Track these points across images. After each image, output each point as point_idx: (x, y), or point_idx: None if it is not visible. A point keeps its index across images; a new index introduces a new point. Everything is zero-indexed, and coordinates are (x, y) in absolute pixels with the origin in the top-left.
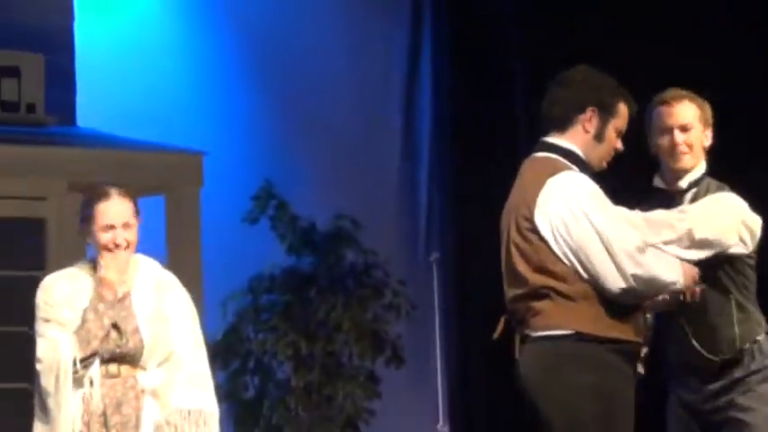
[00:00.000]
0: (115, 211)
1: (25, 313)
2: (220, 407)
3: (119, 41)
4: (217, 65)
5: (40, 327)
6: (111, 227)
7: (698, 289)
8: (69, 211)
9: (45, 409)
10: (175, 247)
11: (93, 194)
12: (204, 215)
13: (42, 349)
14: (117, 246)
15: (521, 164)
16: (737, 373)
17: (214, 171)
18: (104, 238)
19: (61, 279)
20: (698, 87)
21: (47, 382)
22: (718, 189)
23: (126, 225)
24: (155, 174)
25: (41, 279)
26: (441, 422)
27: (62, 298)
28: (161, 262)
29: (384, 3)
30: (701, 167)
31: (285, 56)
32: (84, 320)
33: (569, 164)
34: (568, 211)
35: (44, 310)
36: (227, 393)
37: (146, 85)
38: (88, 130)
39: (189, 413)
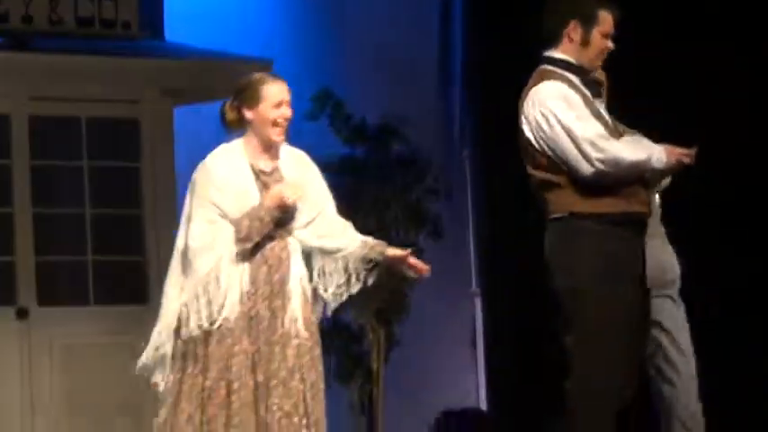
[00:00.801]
0: (282, 89)
1: (122, 198)
2: None
3: None
4: None
5: (202, 208)
6: (281, 103)
7: (687, 158)
8: (160, 112)
9: (190, 270)
10: None
11: (256, 79)
12: None
13: (200, 230)
14: (286, 120)
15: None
16: None
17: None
18: (275, 113)
19: (221, 161)
20: None
21: (200, 261)
22: None
23: (288, 103)
24: (231, 78)
25: (137, 168)
26: (473, 285)
27: (223, 182)
28: None
29: None
30: None
31: None
32: (249, 221)
33: (561, 71)
34: (540, 114)
35: (206, 192)
36: None
37: (222, 2)
38: (175, 42)
39: (363, 242)
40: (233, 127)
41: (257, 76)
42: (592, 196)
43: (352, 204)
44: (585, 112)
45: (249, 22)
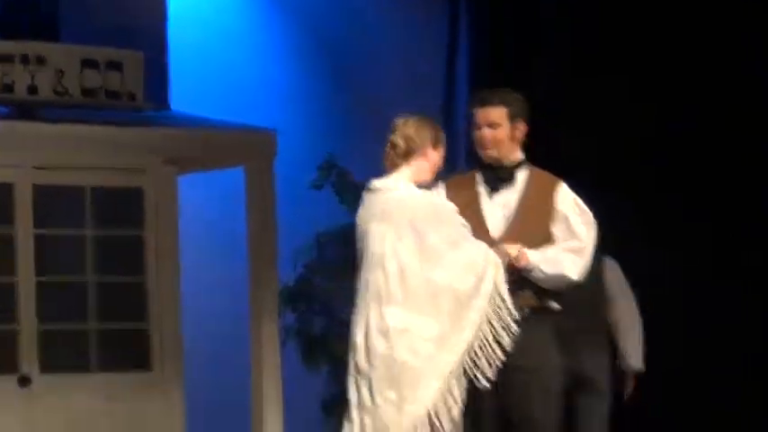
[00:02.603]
0: None
1: (126, 266)
2: (291, 343)
3: (204, 36)
4: (288, 55)
5: (462, 232)
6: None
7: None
8: (164, 181)
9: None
10: (254, 210)
11: (437, 126)
12: (278, 182)
13: (474, 251)
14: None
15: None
16: None
17: (286, 145)
18: (441, 162)
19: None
20: None
21: (478, 281)
22: None
23: None
24: (236, 149)
25: (141, 237)
26: None
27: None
28: (242, 223)
29: None
30: None
31: (346, 47)
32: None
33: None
34: None
35: (457, 216)
36: (298, 331)
37: (228, 73)
38: (179, 113)
39: None
40: (401, 158)
41: (436, 124)
42: None
43: (355, 274)
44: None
45: (254, 92)
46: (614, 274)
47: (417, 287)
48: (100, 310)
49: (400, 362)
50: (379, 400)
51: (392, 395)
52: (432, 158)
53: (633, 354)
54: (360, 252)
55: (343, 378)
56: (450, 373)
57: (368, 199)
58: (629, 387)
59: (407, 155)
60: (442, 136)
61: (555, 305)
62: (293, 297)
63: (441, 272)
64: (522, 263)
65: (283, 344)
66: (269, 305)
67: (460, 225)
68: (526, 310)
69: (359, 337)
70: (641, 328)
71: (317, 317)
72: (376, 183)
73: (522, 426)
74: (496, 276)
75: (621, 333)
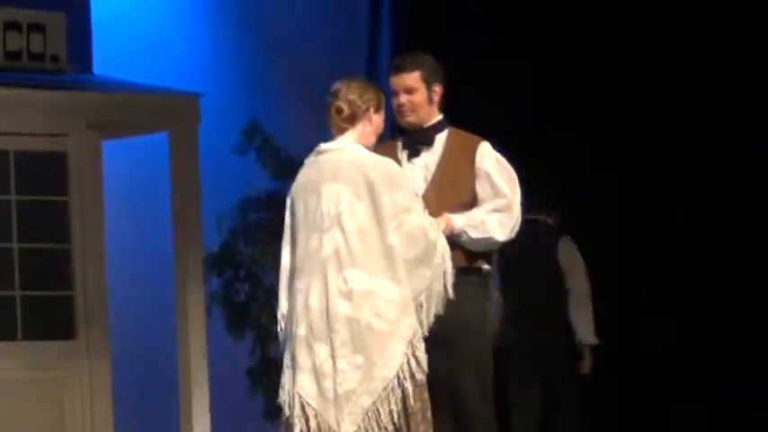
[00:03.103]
0: None
1: (51, 232)
2: (216, 310)
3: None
4: (212, 20)
5: (416, 199)
6: None
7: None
8: (88, 146)
9: (429, 257)
10: (178, 174)
11: (379, 90)
12: (202, 148)
13: (426, 221)
14: None
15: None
16: None
17: (210, 111)
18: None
19: None
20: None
21: (427, 248)
22: None
23: None
24: (159, 113)
25: (66, 202)
26: None
27: None
28: (166, 187)
29: None
30: None
31: (270, 13)
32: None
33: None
34: None
35: (410, 183)
36: (222, 298)
37: (152, 37)
38: (103, 76)
39: None
40: (347, 122)
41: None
42: None
43: (279, 239)
44: None
45: (178, 56)
46: (569, 251)
47: (376, 249)
48: (24, 277)
49: (365, 325)
50: (342, 364)
51: (359, 359)
52: (375, 122)
53: (583, 327)
54: (295, 217)
55: (267, 345)
56: (414, 336)
57: (315, 161)
58: (587, 362)
59: (352, 119)
60: (383, 99)
61: (485, 265)
62: (217, 263)
63: (393, 236)
64: (447, 231)
65: (209, 311)
66: (194, 271)
67: (414, 193)
68: (454, 270)
69: (313, 299)
70: (590, 301)
71: (242, 283)
72: (324, 145)
73: (454, 399)
74: (444, 248)
75: (572, 307)
